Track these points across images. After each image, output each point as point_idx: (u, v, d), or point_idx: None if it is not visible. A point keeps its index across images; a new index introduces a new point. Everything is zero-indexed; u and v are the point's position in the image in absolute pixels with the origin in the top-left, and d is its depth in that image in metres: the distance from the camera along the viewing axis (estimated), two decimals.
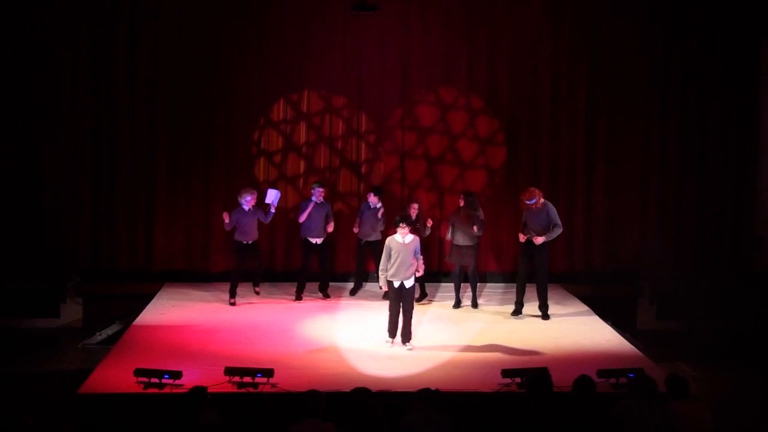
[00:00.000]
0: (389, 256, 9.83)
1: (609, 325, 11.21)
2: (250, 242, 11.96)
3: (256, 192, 12.08)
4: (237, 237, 11.91)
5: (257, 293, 12.41)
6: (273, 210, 12.04)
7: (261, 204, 12.10)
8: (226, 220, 11.78)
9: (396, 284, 9.86)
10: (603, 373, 8.39)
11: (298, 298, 12.27)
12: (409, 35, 13.56)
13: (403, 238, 9.81)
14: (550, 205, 11.27)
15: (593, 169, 13.67)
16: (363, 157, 13.73)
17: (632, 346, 10.16)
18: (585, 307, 12.04)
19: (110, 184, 13.38)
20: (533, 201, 11.11)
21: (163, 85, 13.33)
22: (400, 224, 9.78)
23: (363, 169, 13.73)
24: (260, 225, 12.10)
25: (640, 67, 13.54)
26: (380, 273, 9.98)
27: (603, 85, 13.59)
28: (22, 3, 13.00)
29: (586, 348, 10.11)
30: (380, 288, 10.13)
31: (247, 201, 11.83)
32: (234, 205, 12.29)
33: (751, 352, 11.20)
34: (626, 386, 8.03)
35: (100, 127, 13.33)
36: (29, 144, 13.17)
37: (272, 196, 12.06)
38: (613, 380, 8.40)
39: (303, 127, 13.66)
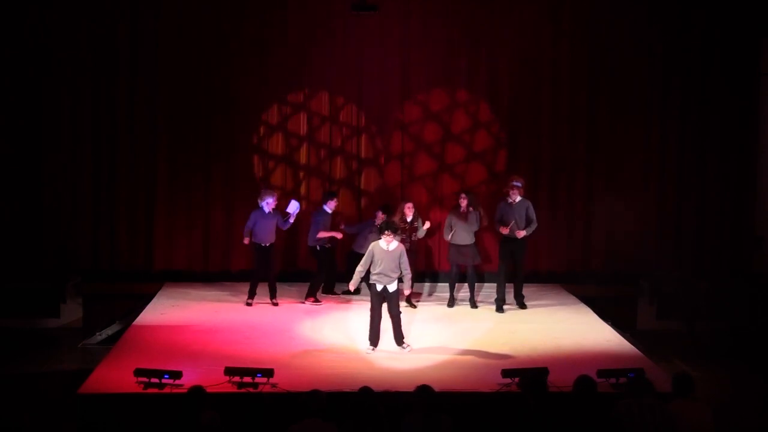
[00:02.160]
0: (371, 261, 9.75)
1: (609, 325, 11.21)
2: (267, 245, 11.85)
3: (276, 194, 12.02)
4: (254, 239, 11.79)
5: (276, 305, 11.97)
6: (291, 220, 11.96)
7: (282, 209, 12.05)
8: (246, 242, 11.79)
9: (379, 288, 9.79)
10: (603, 373, 8.38)
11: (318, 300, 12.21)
12: (409, 35, 13.55)
13: (387, 245, 9.73)
14: (529, 202, 11.74)
15: (593, 168, 13.67)
16: (363, 156, 13.72)
17: (632, 346, 10.16)
18: (585, 307, 12.05)
19: (110, 184, 13.38)
20: (519, 184, 11.53)
21: (163, 85, 13.33)
22: (385, 231, 9.69)
23: (362, 169, 13.72)
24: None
25: (640, 67, 13.54)
26: (356, 274, 9.88)
27: (603, 85, 13.59)
28: (22, 3, 12.99)
29: (586, 348, 10.12)
30: (348, 287, 10.12)
31: (269, 203, 11.74)
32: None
33: (751, 352, 11.20)
34: (625, 386, 8.04)
35: (100, 127, 13.32)
36: (29, 144, 13.17)
37: (293, 207, 11.97)
38: (613, 380, 8.39)
39: (303, 127, 13.65)
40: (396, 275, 9.80)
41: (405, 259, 9.82)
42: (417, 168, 13.75)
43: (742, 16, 13.38)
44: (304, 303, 12.13)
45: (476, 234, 12.07)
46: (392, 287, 9.81)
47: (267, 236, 11.83)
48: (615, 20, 13.51)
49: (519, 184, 11.60)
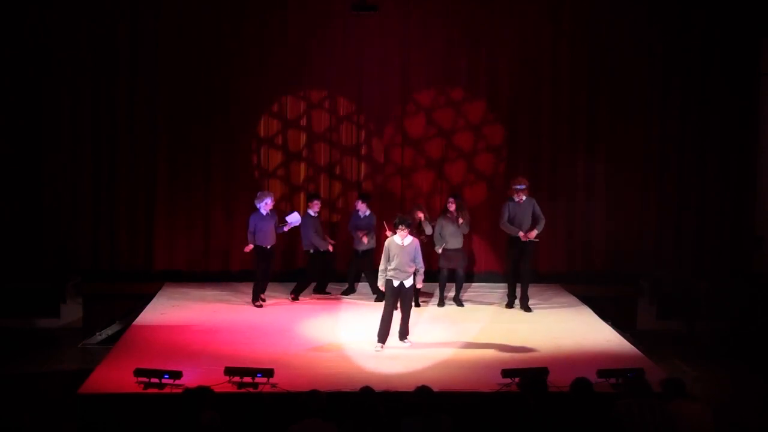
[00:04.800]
0: (388, 258, 9.87)
1: (609, 325, 11.21)
2: (269, 247, 11.86)
3: (272, 195, 12.07)
4: (258, 242, 11.78)
5: (260, 306, 12.00)
6: (286, 229, 11.95)
7: (279, 212, 12.07)
8: (249, 248, 11.74)
9: (395, 283, 9.88)
10: (603, 373, 8.38)
11: (297, 298, 12.35)
12: (409, 35, 13.55)
13: (402, 240, 9.84)
14: (533, 199, 11.77)
15: (593, 169, 13.65)
16: (363, 156, 13.71)
17: (632, 346, 10.15)
18: (585, 307, 12.04)
19: (110, 184, 13.38)
20: (522, 187, 11.57)
21: (163, 85, 13.33)
22: (399, 226, 9.80)
23: (363, 169, 13.73)
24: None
25: (640, 68, 13.54)
26: (380, 273, 9.99)
27: (603, 85, 13.59)
28: (22, 3, 12.99)
29: (586, 348, 10.11)
30: (379, 287, 10.18)
31: (267, 204, 11.74)
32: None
33: (751, 352, 11.20)
34: (624, 386, 8.04)
35: (100, 127, 13.32)
36: (29, 144, 13.16)
37: (293, 218, 11.98)
38: (613, 380, 8.39)
39: (303, 127, 13.65)
40: (411, 270, 9.88)
41: (419, 254, 9.94)
42: (417, 167, 13.74)
43: (742, 16, 13.38)
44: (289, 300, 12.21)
45: (465, 237, 12.10)
46: (408, 282, 9.90)
47: (268, 238, 11.83)
48: (615, 20, 13.51)
49: (522, 187, 11.61)
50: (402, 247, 9.83)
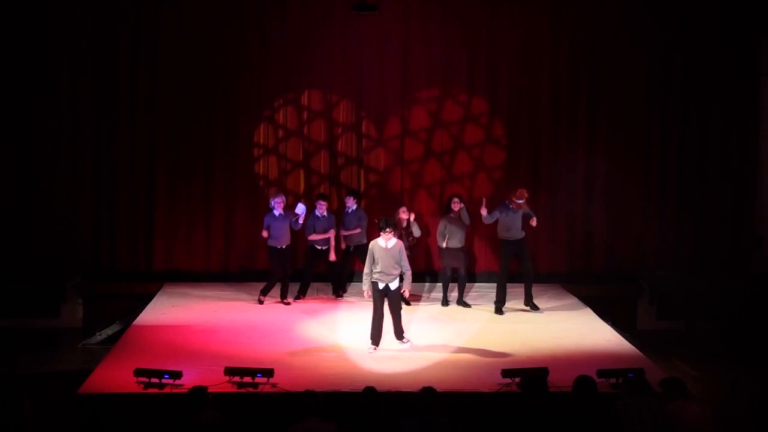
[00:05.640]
0: (373, 260, 9.81)
1: (609, 325, 11.21)
2: (283, 247, 11.90)
3: (284, 195, 12.12)
4: (271, 243, 11.85)
5: (288, 304, 12.06)
6: (301, 221, 11.92)
7: (291, 210, 12.10)
8: (265, 235, 11.80)
9: (381, 286, 9.84)
10: (603, 373, 8.39)
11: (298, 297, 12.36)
12: (409, 35, 13.55)
13: (386, 243, 9.76)
14: (528, 210, 11.76)
15: (593, 169, 13.65)
16: (363, 156, 13.72)
17: (632, 346, 10.16)
18: (585, 307, 12.04)
19: (110, 184, 13.37)
20: (522, 201, 11.50)
21: (163, 84, 13.32)
22: (384, 229, 9.72)
23: (363, 169, 13.73)
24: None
25: (641, 68, 13.53)
26: (365, 277, 9.93)
27: (603, 85, 13.58)
28: (23, 3, 12.98)
29: (586, 348, 10.12)
30: (364, 292, 10.09)
31: (277, 204, 11.80)
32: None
33: (750, 352, 11.21)
34: (622, 386, 8.04)
35: (101, 127, 13.31)
36: (30, 145, 13.14)
37: (300, 209, 11.98)
38: (613, 380, 8.40)
39: (303, 128, 13.65)
40: (397, 272, 9.83)
41: (404, 257, 9.86)
42: (416, 167, 13.74)
43: (742, 16, 13.37)
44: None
45: (466, 237, 12.13)
46: (393, 285, 9.85)
47: (282, 239, 11.87)
48: (615, 20, 13.49)
49: (522, 201, 11.51)
50: (386, 249, 9.76)
